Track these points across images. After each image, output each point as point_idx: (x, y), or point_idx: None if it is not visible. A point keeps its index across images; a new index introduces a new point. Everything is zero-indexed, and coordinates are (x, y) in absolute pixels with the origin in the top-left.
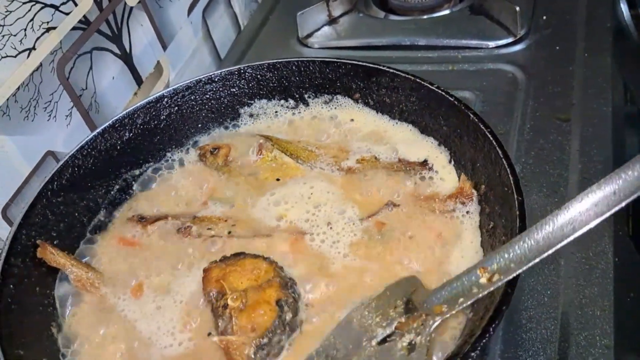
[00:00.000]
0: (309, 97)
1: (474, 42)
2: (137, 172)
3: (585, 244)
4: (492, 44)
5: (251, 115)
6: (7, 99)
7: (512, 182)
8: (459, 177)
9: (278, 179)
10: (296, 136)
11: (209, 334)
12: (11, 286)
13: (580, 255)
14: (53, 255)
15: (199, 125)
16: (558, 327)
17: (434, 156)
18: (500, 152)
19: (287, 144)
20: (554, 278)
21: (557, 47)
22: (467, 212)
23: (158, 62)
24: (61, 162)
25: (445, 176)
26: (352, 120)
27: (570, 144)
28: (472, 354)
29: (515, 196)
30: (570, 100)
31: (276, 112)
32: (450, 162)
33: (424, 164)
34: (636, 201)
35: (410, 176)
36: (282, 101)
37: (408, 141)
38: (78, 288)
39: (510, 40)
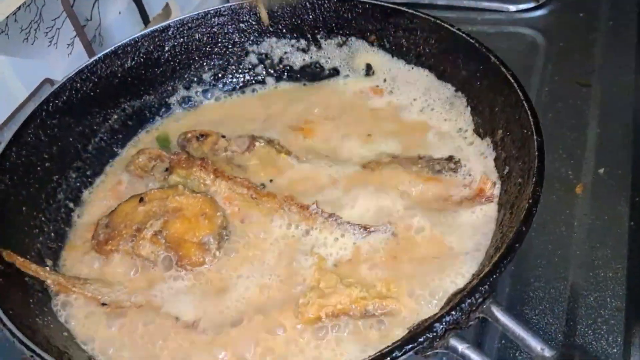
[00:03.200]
0: (321, 37)
1: (494, 5)
2: (137, 102)
3: (601, 207)
4: (513, 7)
5: (260, 55)
6: (7, 17)
7: (532, 123)
8: (479, 134)
9: (271, 180)
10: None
11: None
12: None
13: (594, 218)
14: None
15: (204, 62)
16: (568, 286)
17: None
18: (521, 94)
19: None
20: (566, 239)
21: (581, 15)
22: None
23: (167, 3)
24: (59, 84)
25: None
26: (368, 67)
27: (589, 110)
28: (481, 288)
29: (535, 137)
30: (592, 67)
31: (285, 52)
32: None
33: (451, 159)
34: None
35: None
36: (294, 41)
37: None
38: (61, 291)
39: (532, 5)
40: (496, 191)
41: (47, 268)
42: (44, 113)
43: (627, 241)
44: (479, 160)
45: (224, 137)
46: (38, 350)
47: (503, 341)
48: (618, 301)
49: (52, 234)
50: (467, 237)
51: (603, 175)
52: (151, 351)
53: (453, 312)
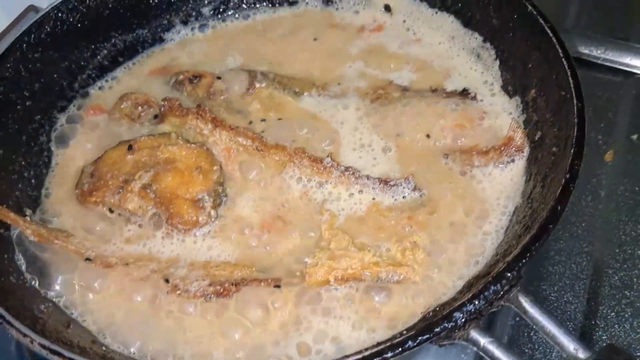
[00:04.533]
0: None
1: None
2: (129, 37)
3: (632, 176)
4: None
5: None
6: None
7: (572, 85)
8: (507, 92)
9: (280, 119)
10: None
11: None
12: None
13: (624, 188)
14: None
15: None
16: (591, 263)
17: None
18: (561, 51)
19: (290, 79)
20: (591, 210)
21: None
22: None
23: None
24: (42, 13)
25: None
26: (387, 7)
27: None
28: (509, 274)
29: (575, 102)
30: (629, 21)
31: None
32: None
33: (464, 93)
34: None
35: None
36: None
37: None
38: (42, 242)
39: None
40: (526, 142)
41: (27, 218)
42: (24, 45)
43: None
44: (506, 117)
45: (219, 78)
46: (8, 317)
47: (517, 318)
48: None
49: (32, 180)
50: (492, 200)
51: (636, 142)
52: (140, 317)
53: (476, 301)
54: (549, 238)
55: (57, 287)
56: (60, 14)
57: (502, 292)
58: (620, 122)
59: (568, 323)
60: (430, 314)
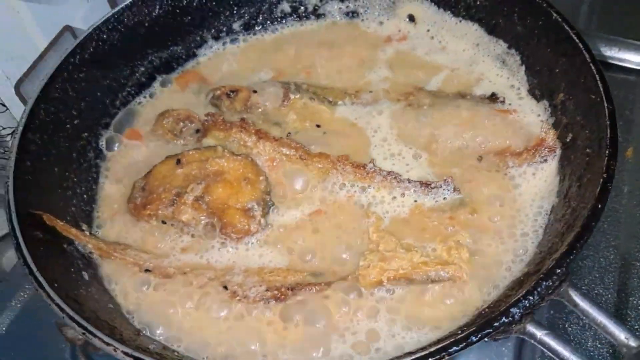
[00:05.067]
0: None
1: None
2: (164, 54)
3: None
4: None
5: (293, 2)
6: None
7: (601, 89)
8: (535, 96)
9: (318, 125)
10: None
11: None
12: (28, 163)
13: None
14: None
15: (235, 10)
16: (618, 256)
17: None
18: (588, 56)
19: (322, 89)
20: (615, 205)
21: None
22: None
23: None
24: (85, 34)
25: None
26: (411, 17)
27: None
28: (558, 270)
29: (606, 104)
30: None
31: (322, 0)
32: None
33: (493, 97)
34: None
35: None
36: None
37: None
38: (102, 256)
39: None
40: (558, 143)
41: (87, 232)
42: (70, 66)
43: None
44: (535, 120)
45: (255, 92)
46: (90, 328)
47: (552, 311)
48: None
49: (85, 196)
50: (528, 200)
51: None
52: (204, 322)
53: (530, 296)
54: (591, 235)
55: (120, 299)
56: (101, 34)
57: (553, 288)
58: (637, 120)
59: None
60: (486, 310)
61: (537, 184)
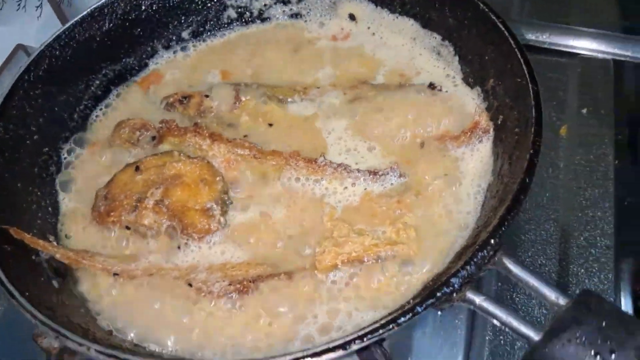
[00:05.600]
0: None
1: None
2: (117, 66)
3: (586, 146)
4: None
5: (238, 8)
6: None
7: (526, 72)
8: (469, 83)
9: (271, 124)
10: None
11: None
12: None
13: (580, 158)
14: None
15: (183, 19)
16: (558, 228)
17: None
18: (513, 42)
19: (272, 88)
20: (552, 181)
21: None
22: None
23: None
24: (37, 51)
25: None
26: (352, 16)
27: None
28: (492, 241)
29: (531, 86)
30: (569, 5)
31: (265, 4)
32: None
33: (431, 86)
34: (632, 111)
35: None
36: None
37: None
38: (72, 264)
39: None
40: (491, 124)
41: (54, 243)
42: (25, 84)
43: (613, 180)
44: (470, 105)
45: (207, 96)
46: (63, 331)
47: (500, 283)
48: (607, 239)
49: (50, 209)
50: (468, 180)
51: (586, 115)
52: (172, 319)
53: (468, 267)
54: (521, 207)
55: (91, 303)
56: (53, 51)
57: (488, 257)
58: (570, 99)
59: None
60: (430, 283)
61: (475, 164)
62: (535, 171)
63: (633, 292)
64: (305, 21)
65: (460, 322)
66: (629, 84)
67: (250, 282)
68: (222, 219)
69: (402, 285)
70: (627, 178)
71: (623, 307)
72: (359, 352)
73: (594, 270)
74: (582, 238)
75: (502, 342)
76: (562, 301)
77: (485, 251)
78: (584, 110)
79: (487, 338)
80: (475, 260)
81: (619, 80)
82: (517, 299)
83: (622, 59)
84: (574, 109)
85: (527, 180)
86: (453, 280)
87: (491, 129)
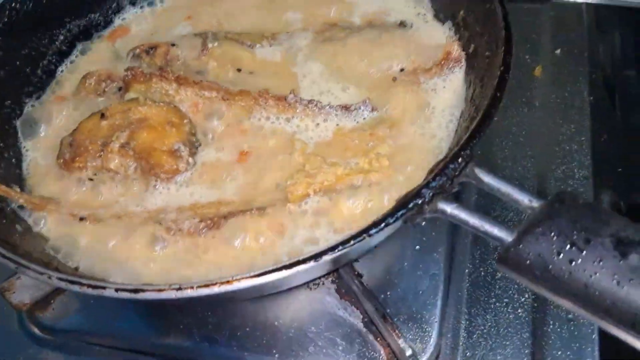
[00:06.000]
0: None
1: None
2: (82, 21)
3: (561, 84)
4: None
5: None
6: None
7: None
8: (440, 19)
9: (239, 70)
10: None
11: None
12: None
13: (555, 96)
14: None
15: None
16: (535, 163)
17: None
18: None
19: (239, 35)
20: (529, 118)
21: None
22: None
23: None
24: None
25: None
26: None
27: None
28: (462, 153)
29: (500, 8)
30: None
31: None
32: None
33: (402, 24)
34: (606, 51)
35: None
36: None
37: None
38: (35, 210)
39: None
40: (462, 53)
41: (18, 189)
42: None
43: (589, 115)
44: (441, 38)
45: (173, 45)
46: (23, 262)
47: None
48: (585, 170)
49: (13, 160)
50: (440, 110)
51: (560, 55)
52: (141, 255)
53: (438, 178)
54: (491, 121)
55: (56, 243)
56: (13, 4)
57: (459, 169)
58: (544, 40)
59: (523, 215)
60: (402, 198)
61: (448, 95)
62: (506, 85)
63: None
64: None
65: (439, 255)
66: (603, 26)
67: (221, 218)
68: (190, 160)
69: (378, 210)
70: (602, 115)
71: None
72: (337, 285)
73: None
74: (559, 171)
75: (482, 274)
76: (535, 204)
77: (456, 163)
78: (558, 51)
79: (466, 271)
80: (446, 171)
81: (592, 22)
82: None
83: (595, 1)
84: (548, 50)
85: (498, 94)
86: (424, 191)
87: (463, 58)
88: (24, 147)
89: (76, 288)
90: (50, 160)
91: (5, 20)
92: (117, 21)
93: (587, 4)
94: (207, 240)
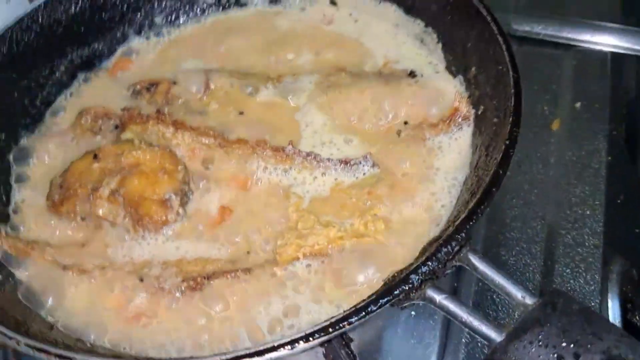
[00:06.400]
0: None
1: None
2: (85, 51)
3: (578, 142)
4: None
5: None
6: None
7: (507, 59)
8: (451, 72)
9: (241, 113)
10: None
11: None
12: None
13: (572, 153)
14: None
15: (157, 3)
16: (545, 226)
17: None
18: (495, 28)
19: (245, 75)
20: (542, 176)
21: None
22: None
23: None
24: None
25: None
26: (332, 1)
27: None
28: (457, 236)
29: (511, 73)
30: None
31: None
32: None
33: (411, 74)
34: (631, 105)
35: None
36: None
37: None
38: (19, 256)
39: None
40: (471, 111)
41: (3, 232)
42: None
43: (605, 176)
44: (450, 92)
45: (174, 83)
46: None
47: (480, 283)
48: (595, 238)
49: (3, 197)
50: (444, 173)
51: (580, 109)
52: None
53: (429, 262)
54: (491, 201)
55: (37, 297)
56: (15, 35)
57: (452, 253)
58: (564, 92)
59: (527, 283)
60: (390, 279)
61: (453, 156)
62: (509, 162)
63: (621, 294)
64: (285, 7)
65: (435, 323)
66: (627, 77)
67: (204, 278)
68: (180, 210)
69: (360, 281)
70: (620, 175)
71: (610, 309)
72: (325, 350)
73: (580, 270)
74: (569, 237)
75: (479, 344)
76: (529, 300)
77: (449, 246)
78: (578, 104)
79: (463, 340)
80: (438, 255)
81: (617, 74)
82: (498, 299)
83: (621, 51)
84: (567, 102)
85: (501, 172)
86: (412, 276)
87: (471, 117)
88: (15, 184)
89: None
90: (40, 201)
91: (5, 52)
92: (120, 51)
93: (613, 53)
94: (186, 302)
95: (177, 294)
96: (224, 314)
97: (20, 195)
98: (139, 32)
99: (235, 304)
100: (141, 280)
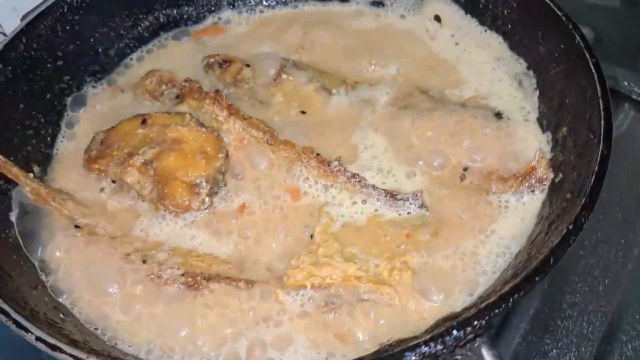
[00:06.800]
0: None
1: None
2: (173, 12)
3: None
4: None
5: None
6: None
7: (602, 129)
8: (541, 124)
9: (304, 112)
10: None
11: None
12: None
13: None
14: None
15: None
16: (605, 324)
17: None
18: (599, 89)
19: (321, 73)
20: (618, 266)
21: None
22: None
23: None
24: None
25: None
26: (437, 17)
27: None
28: (475, 322)
29: (601, 148)
30: None
31: None
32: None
33: (497, 115)
34: None
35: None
36: None
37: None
38: (38, 202)
39: None
40: (549, 176)
41: (31, 175)
42: (66, 6)
43: None
44: (533, 147)
45: (248, 65)
46: None
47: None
48: None
49: (48, 139)
50: (499, 236)
51: None
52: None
53: (432, 344)
54: (532, 289)
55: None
56: None
57: (463, 340)
58: None
59: None
60: (386, 347)
61: (514, 221)
62: (566, 250)
63: None
64: (387, 11)
65: None
66: None
67: (204, 279)
68: (207, 199)
69: (363, 336)
70: None
71: None
72: None
73: None
74: (629, 346)
75: None
76: None
77: (462, 332)
78: None
79: None
80: (446, 338)
81: None
82: None
83: None
84: None
85: (552, 260)
86: (407, 354)
87: (547, 182)
88: (63, 129)
89: None
90: (80, 152)
91: None
92: (209, 19)
93: None
94: (178, 298)
95: (175, 286)
96: (207, 322)
97: (64, 142)
98: (232, 5)
99: (220, 313)
100: (144, 262)
